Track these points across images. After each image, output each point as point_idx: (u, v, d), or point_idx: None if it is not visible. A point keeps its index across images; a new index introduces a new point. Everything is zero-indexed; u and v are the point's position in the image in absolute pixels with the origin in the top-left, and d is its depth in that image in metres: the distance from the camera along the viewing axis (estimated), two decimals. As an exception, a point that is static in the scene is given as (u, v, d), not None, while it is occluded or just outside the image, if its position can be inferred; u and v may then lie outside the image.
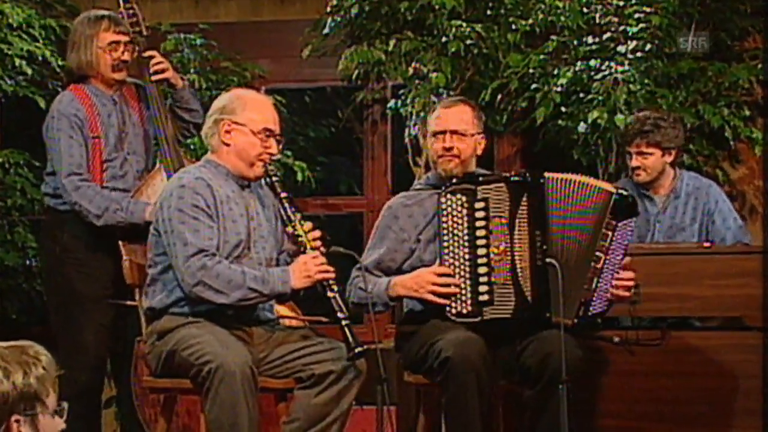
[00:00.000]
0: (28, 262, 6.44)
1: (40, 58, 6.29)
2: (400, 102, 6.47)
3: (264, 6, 7.07)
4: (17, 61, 6.19)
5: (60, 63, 6.27)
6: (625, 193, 4.67)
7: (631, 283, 4.69)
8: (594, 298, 4.63)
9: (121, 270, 4.77)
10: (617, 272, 4.66)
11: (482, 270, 4.61)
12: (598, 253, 4.61)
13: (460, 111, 4.83)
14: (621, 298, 4.71)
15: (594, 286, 4.61)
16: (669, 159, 5.54)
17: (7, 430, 2.43)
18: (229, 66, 6.72)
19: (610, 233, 4.61)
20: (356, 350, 4.38)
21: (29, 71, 6.26)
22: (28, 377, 2.45)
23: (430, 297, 4.64)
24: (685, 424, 5.01)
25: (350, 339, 4.39)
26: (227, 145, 4.56)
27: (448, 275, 4.63)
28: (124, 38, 5.20)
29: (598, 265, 4.61)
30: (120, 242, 5.09)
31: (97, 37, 5.17)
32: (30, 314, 6.74)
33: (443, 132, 4.80)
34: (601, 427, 5.06)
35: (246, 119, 4.53)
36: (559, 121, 6.14)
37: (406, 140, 6.50)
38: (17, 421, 2.42)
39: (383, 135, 6.92)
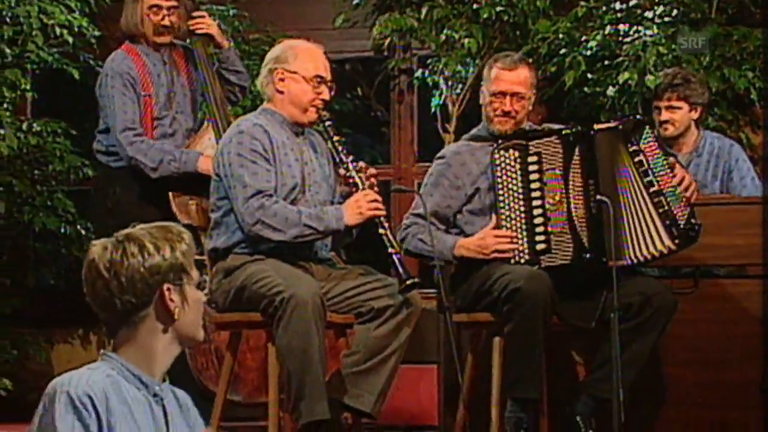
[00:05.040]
0: (65, 230, 6.48)
1: (76, 29, 6.33)
2: (427, 72, 6.57)
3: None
4: (59, 30, 6.23)
5: (96, 34, 6.40)
6: (624, 117, 4.84)
7: (693, 185, 4.89)
8: (676, 211, 4.79)
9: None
10: (674, 182, 4.82)
11: (538, 221, 4.76)
12: (647, 179, 4.78)
13: (521, 73, 4.89)
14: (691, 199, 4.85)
15: (666, 204, 4.78)
16: (695, 116, 5.66)
17: (161, 296, 2.66)
18: (261, 38, 6.78)
19: (642, 158, 4.80)
20: (408, 282, 4.49)
21: (70, 40, 6.30)
22: (175, 251, 2.67)
23: (495, 256, 4.76)
24: (723, 369, 5.06)
25: (401, 271, 4.51)
26: (281, 93, 4.70)
27: (508, 235, 4.77)
28: (167, 3, 5.32)
29: (655, 188, 4.79)
30: (171, 194, 5.20)
31: (142, 0, 5.31)
32: (67, 280, 6.79)
33: (504, 94, 4.88)
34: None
35: (298, 67, 4.68)
36: (585, 89, 6.21)
37: (434, 108, 6.58)
38: (168, 289, 2.66)
39: (409, 104, 7.00)
